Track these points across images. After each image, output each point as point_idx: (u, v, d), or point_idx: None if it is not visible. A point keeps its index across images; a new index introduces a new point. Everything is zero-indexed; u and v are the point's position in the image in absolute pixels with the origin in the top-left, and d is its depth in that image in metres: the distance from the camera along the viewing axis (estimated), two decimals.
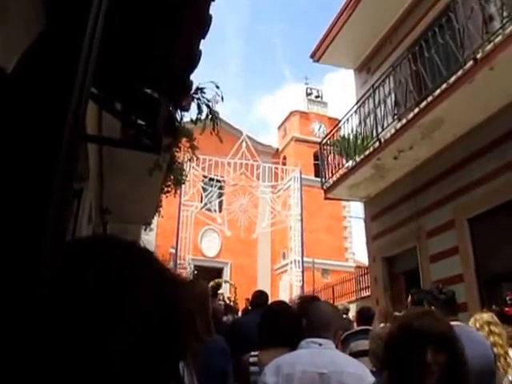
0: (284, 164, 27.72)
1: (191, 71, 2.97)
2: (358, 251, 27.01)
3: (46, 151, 1.18)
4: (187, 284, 3.03)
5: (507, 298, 5.38)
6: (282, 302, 3.72)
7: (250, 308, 6.70)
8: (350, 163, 9.72)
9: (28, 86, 1.44)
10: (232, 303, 15.30)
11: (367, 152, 8.93)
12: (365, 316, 5.57)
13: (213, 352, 2.69)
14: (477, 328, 3.75)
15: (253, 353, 2.87)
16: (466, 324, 3.63)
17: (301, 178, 22.21)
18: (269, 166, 23.20)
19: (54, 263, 0.67)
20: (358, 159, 9.31)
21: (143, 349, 0.59)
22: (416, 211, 8.60)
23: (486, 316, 3.91)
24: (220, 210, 22.96)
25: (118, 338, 0.58)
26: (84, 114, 1.32)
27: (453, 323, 2.76)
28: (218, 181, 21.54)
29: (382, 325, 5.15)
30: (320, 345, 2.30)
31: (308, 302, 3.64)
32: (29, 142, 1.26)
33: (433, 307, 3.29)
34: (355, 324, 6.02)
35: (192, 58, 2.78)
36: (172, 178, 6.90)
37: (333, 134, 10.96)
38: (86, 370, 0.55)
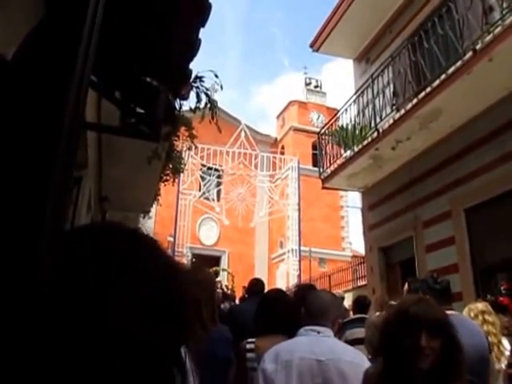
0: (282, 153, 27.73)
1: (190, 59, 2.97)
2: (355, 241, 27.17)
3: (46, 139, 1.19)
4: (192, 272, 3.03)
5: (502, 288, 5.44)
6: (279, 290, 3.76)
7: (246, 296, 6.75)
8: (348, 153, 9.73)
9: (28, 73, 1.45)
10: (230, 291, 15.39)
11: (365, 142, 8.94)
12: (361, 305, 5.62)
13: (216, 341, 2.73)
14: (471, 317, 3.80)
15: (250, 339, 2.91)
16: (460, 313, 3.67)
17: (299, 167, 22.24)
18: (267, 155, 23.19)
19: (53, 253, 0.67)
20: (356, 149, 9.31)
21: (143, 342, 0.59)
22: (413, 201, 8.63)
23: (481, 305, 3.96)
24: (218, 199, 23.03)
25: (118, 332, 0.57)
26: (84, 102, 1.33)
27: (447, 312, 2.79)
28: (216, 170, 21.57)
29: (377, 313, 5.19)
30: (318, 333, 2.33)
31: (305, 290, 3.68)
32: (29, 130, 1.27)
33: (428, 296, 3.33)
34: (351, 313, 6.07)
35: (191, 47, 2.78)
36: (171, 166, 6.91)
37: (331, 124, 10.96)
38: (85, 364, 0.55)
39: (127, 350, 0.57)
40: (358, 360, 2.28)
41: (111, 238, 0.67)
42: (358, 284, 13.91)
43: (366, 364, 2.26)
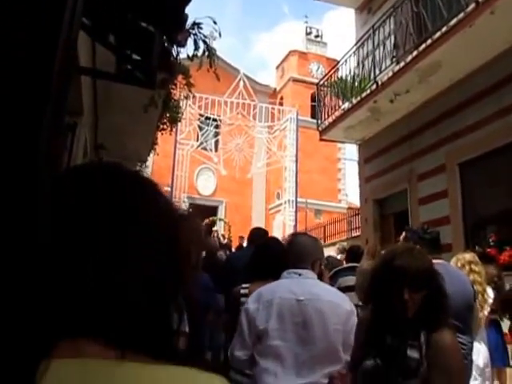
0: (281, 104, 27.50)
1: (186, 3, 2.92)
2: (351, 193, 27.32)
3: (37, 80, 1.20)
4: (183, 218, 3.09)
5: (490, 240, 5.57)
6: (273, 238, 3.85)
7: (245, 245, 6.83)
8: (347, 105, 9.68)
9: (16, 13, 1.44)
10: (226, 240, 15.64)
11: (364, 94, 8.88)
12: (354, 254, 5.73)
13: (198, 288, 2.83)
14: (458, 267, 3.91)
15: (244, 285, 3.04)
16: (447, 263, 3.77)
17: (297, 118, 22.08)
18: (266, 106, 22.97)
19: (49, 196, 0.63)
20: (354, 101, 9.26)
21: (144, 297, 0.58)
22: (409, 154, 8.67)
23: (468, 256, 4.07)
24: (216, 149, 22.99)
25: (117, 279, 0.57)
26: (75, 41, 1.32)
27: (435, 261, 2.88)
28: (214, 120, 21.41)
29: (369, 262, 5.31)
30: (300, 275, 2.43)
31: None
32: (18, 70, 1.27)
33: (418, 246, 3.42)
34: (345, 262, 6.19)
35: None
36: (168, 115, 6.85)
37: (330, 76, 10.83)
38: (86, 310, 0.55)
39: (127, 304, 0.57)
40: (338, 300, 2.38)
41: (113, 181, 0.64)
42: (353, 235, 14.15)
43: (347, 306, 2.36)
